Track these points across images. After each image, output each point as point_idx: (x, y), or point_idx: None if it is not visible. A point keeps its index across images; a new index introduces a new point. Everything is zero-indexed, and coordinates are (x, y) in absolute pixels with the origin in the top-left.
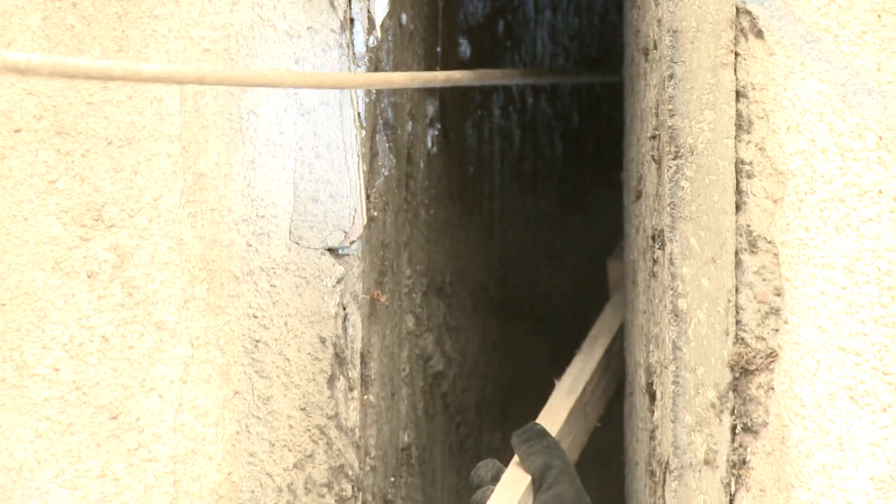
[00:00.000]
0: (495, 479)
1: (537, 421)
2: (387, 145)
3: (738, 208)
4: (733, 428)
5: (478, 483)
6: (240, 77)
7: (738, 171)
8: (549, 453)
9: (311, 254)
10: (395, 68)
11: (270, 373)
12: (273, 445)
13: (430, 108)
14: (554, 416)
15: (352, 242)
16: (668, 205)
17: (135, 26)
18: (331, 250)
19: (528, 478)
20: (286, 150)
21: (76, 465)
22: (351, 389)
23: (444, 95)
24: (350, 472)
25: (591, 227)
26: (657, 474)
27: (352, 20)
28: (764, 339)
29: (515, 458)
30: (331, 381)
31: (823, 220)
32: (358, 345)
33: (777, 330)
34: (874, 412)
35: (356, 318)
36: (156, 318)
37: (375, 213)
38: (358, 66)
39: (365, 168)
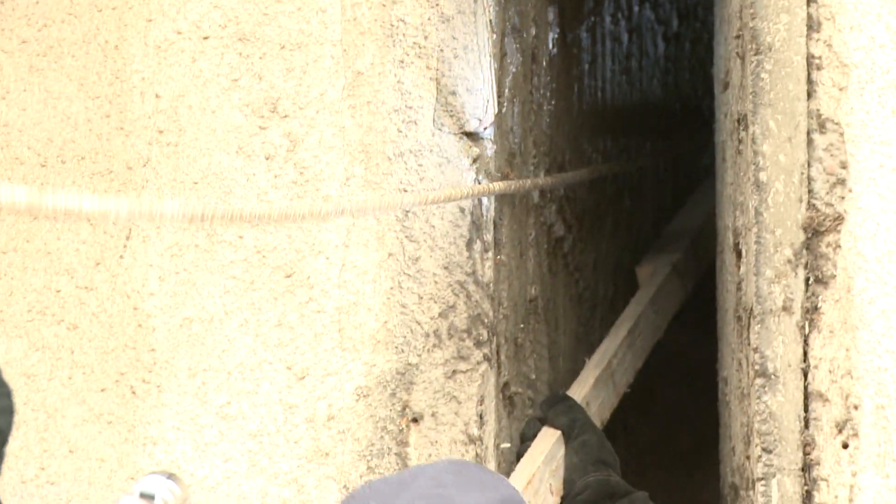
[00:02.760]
0: (535, 436)
1: (569, 391)
2: (514, 46)
3: (809, 95)
4: (807, 279)
5: (522, 440)
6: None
7: (809, 65)
8: (573, 411)
9: (451, 138)
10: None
11: (418, 237)
12: (421, 298)
13: (551, 14)
14: (583, 384)
15: (485, 128)
16: (751, 93)
17: None
18: (468, 134)
19: (558, 433)
20: (429, 52)
21: (257, 315)
22: (486, 251)
23: (563, 2)
24: (486, 320)
25: (689, 111)
26: (743, 319)
27: None
28: (832, 205)
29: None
30: (469, 243)
31: (881, 105)
32: (491, 213)
33: (843, 197)
34: None
35: None
36: (322, 192)
37: (505, 104)
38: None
39: (496, 66)
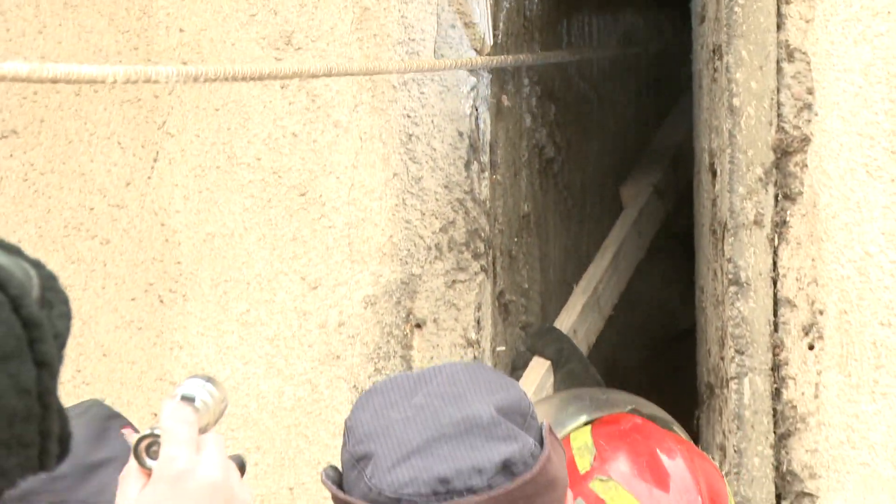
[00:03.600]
0: (525, 366)
1: (557, 319)
2: None
3: (778, 27)
4: (776, 196)
5: (513, 369)
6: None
7: None
8: (559, 341)
9: None
10: None
11: (421, 159)
12: (424, 214)
13: None
14: (571, 312)
15: None
16: (725, 25)
17: None
18: None
19: (547, 363)
20: None
21: (274, 231)
22: (483, 171)
23: None
24: (483, 234)
25: (669, 47)
26: (718, 233)
27: None
28: (799, 128)
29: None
30: (467, 164)
31: (845, 35)
32: (488, 137)
33: (809, 121)
34: (884, 182)
35: (486, 117)
36: (333, 118)
37: (500, 36)
38: None
39: (491, 1)
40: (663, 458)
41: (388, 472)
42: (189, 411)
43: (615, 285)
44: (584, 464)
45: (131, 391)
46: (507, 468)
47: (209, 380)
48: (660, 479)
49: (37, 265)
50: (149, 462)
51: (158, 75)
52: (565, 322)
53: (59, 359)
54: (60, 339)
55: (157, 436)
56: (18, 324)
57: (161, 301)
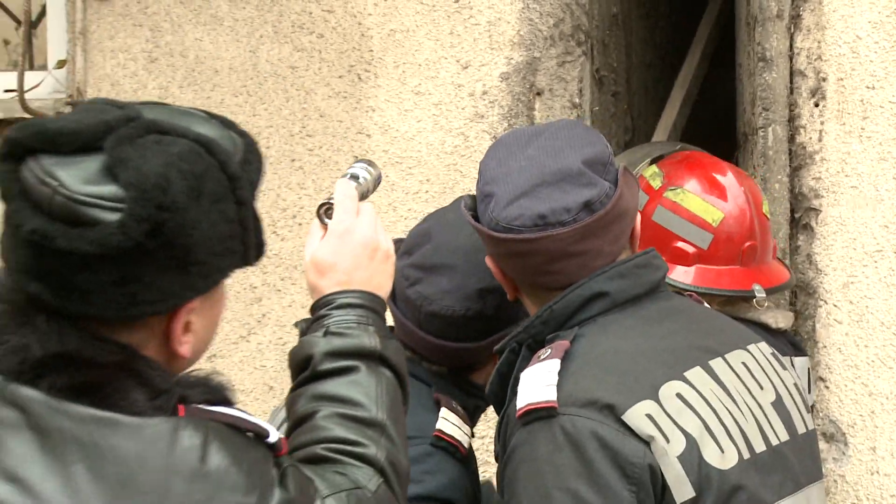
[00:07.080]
0: None
1: (662, 117)
2: None
3: None
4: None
5: None
6: None
7: None
8: None
9: None
10: None
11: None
12: (542, 15)
13: None
14: (672, 107)
15: None
16: None
17: None
18: None
19: None
20: None
21: (437, 28)
22: None
23: None
24: (584, 28)
25: None
26: (751, 24)
27: None
28: None
29: None
30: None
31: None
32: None
33: None
34: None
35: None
36: None
37: None
38: None
39: None
40: (716, 175)
41: (504, 209)
42: (352, 186)
43: (700, 72)
44: (656, 183)
45: (339, 140)
46: (587, 206)
47: (369, 163)
48: (718, 189)
49: (242, 134)
50: (326, 220)
51: None
52: (669, 116)
53: (253, 197)
54: (254, 185)
55: (332, 203)
56: (224, 178)
57: (359, 78)
